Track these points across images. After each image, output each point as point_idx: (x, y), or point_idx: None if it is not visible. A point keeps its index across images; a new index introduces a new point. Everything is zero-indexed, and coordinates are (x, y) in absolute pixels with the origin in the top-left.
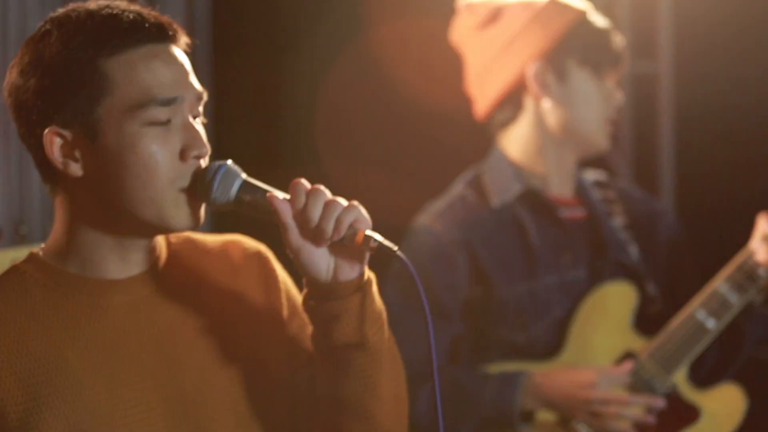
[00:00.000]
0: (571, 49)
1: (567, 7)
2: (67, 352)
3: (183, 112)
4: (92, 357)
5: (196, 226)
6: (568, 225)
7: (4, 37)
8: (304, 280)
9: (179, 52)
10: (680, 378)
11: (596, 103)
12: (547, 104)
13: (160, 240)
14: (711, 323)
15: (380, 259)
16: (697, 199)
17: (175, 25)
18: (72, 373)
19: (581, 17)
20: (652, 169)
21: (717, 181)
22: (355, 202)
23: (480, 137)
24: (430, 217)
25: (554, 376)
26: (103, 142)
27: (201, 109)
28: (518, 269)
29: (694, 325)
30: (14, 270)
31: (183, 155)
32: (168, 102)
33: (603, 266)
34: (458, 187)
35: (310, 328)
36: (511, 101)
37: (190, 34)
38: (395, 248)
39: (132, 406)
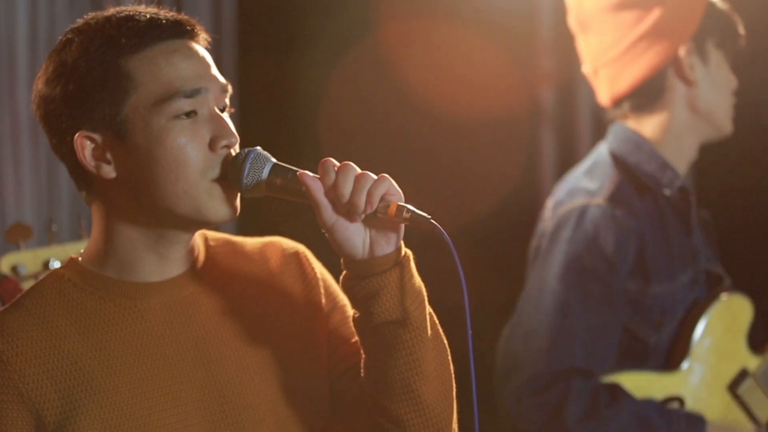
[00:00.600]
0: (710, 29)
1: None
2: (105, 356)
3: (208, 103)
4: (129, 360)
5: (232, 216)
6: (706, 223)
7: (34, 43)
8: (342, 261)
9: (199, 47)
10: None
11: (728, 87)
12: (694, 88)
13: (198, 242)
14: None
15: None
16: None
17: (192, 22)
18: (109, 376)
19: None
20: None
21: (735, 174)
22: (385, 175)
23: (486, 134)
24: (601, 199)
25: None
26: (132, 140)
27: (227, 101)
28: (671, 267)
29: None
30: (54, 275)
31: (212, 145)
32: (192, 93)
33: (696, 273)
34: (606, 167)
35: (350, 322)
36: (654, 85)
37: (216, 33)
38: (428, 217)
39: (169, 408)
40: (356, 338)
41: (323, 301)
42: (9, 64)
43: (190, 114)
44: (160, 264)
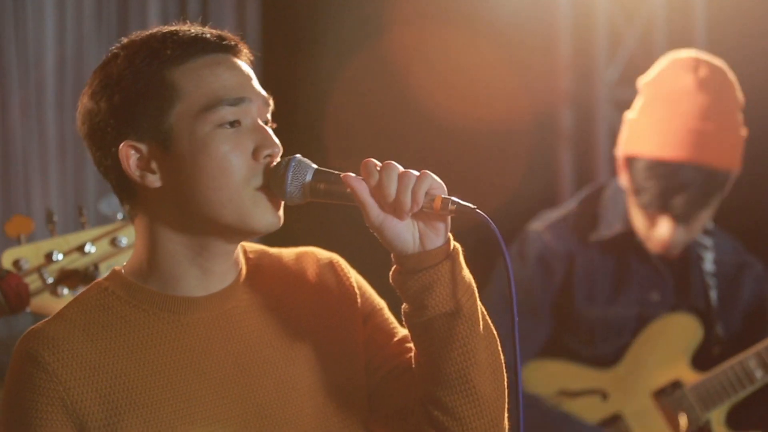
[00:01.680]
0: (636, 175)
1: (696, 144)
2: (147, 370)
3: (252, 113)
4: (171, 374)
5: (277, 225)
6: (661, 265)
7: (62, 63)
8: (392, 256)
9: (242, 63)
10: (716, 417)
11: (641, 223)
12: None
13: (239, 255)
14: (759, 374)
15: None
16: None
17: (236, 38)
18: (151, 390)
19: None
20: None
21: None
22: (427, 171)
23: (504, 151)
24: (543, 225)
25: None
26: (177, 149)
27: (269, 116)
28: (600, 295)
29: (743, 372)
30: (98, 286)
31: (255, 155)
32: (236, 102)
33: (679, 305)
34: (574, 202)
35: (387, 325)
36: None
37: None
38: (474, 207)
39: (210, 423)
40: (396, 339)
41: (360, 308)
42: (37, 84)
43: (234, 123)
44: (203, 278)
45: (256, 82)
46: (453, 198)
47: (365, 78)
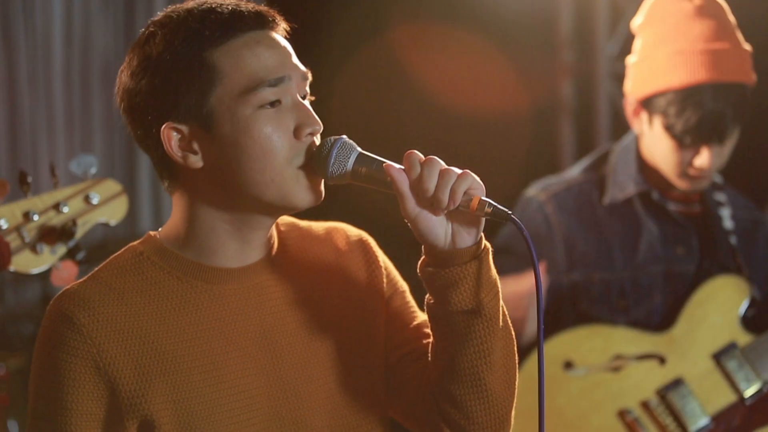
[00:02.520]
0: (661, 108)
1: (712, 65)
2: (179, 337)
3: (292, 91)
4: (201, 342)
5: (317, 202)
6: (683, 220)
7: (69, 39)
8: (423, 248)
9: (280, 38)
10: None
11: (671, 161)
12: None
13: (272, 228)
14: None
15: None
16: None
17: (273, 12)
18: (182, 357)
19: (706, 84)
20: None
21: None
22: (468, 171)
23: (506, 126)
24: (545, 193)
25: None
26: (218, 130)
27: (308, 89)
28: (622, 258)
29: None
30: (132, 250)
31: (297, 133)
32: (276, 82)
33: (710, 266)
34: (578, 169)
35: (409, 308)
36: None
37: None
38: (509, 212)
39: (236, 392)
40: (415, 323)
41: (384, 288)
42: (45, 59)
43: (275, 103)
44: (242, 250)
45: (294, 57)
46: (490, 201)
47: (366, 68)
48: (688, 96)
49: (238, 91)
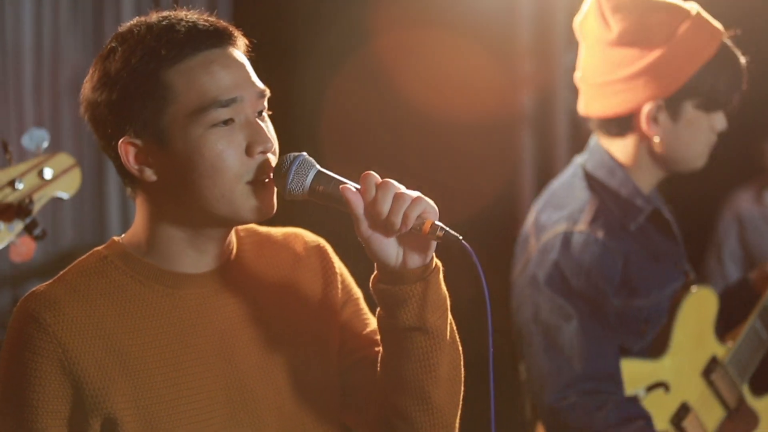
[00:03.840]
0: (692, 93)
1: (700, 47)
2: (140, 339)
3: (245, 110)
4: (162, 345)
5: (267, 215)
6: (677, 231)
7: (39, 52)
8: (375, 264)
9: (237, 54)
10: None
11: (703, 136)
12: (656, 138)
13: (232, 234)
14: (764, 334)
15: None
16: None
17: (230, 29)
18: (143, 359)
19: (713, 55)
20: None
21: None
22: (421, 195)
23: (466, 138)
24: (583, 225)
25: None
26: (172, 147)
27: (266, 104)
28: (645, 283)
29: (755, 336)
30: (96, 255)
31: (249, 151)
32: (228, 102)
33: (683, 280)
34: (585, 195)
35: (363, 315)
36: (623, 122)
37: None
38: (460, 237)
39: (195, 393)
40: (368, 330)
41: (339, 294)
42: (16, 72)
43: (228, 121)
44: (198, 258)
45: (250, 74)
46: (442, 225)
47: (340, 79)
48: (717, 61)
49: (190, 110)
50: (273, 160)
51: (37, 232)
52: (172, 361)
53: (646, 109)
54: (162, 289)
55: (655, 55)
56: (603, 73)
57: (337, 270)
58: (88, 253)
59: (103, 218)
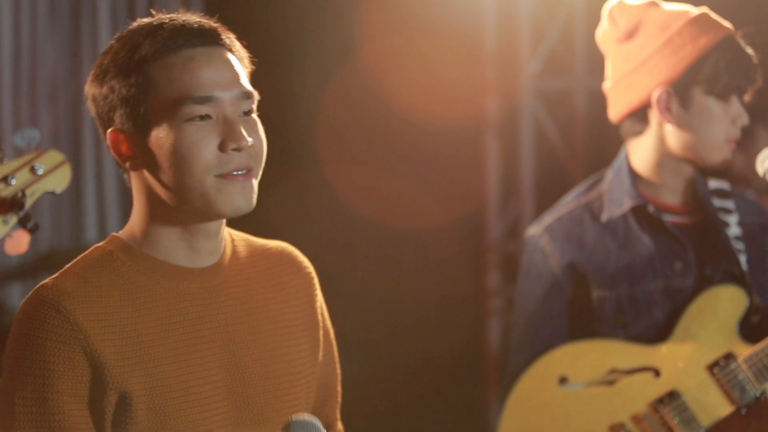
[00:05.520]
0: (699, 78)
1: (701, 35)
2: (151, 330)
3: (223, 108)
4: (172, 337)
5: (244, 209)
6: (679, 232)
7: (17, 57)
8: None
9: (223, 54)
10: None
11: (719, 126)
12: (669, 127)
13: (226, 236)
14: None
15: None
16: None
17: (219, 30)
18: (155, 348)
19: (716, 44)
20: None
21: None
22: None
23: (467, 143)
24: (539, 228)
25: None
26: (152, 138)
27: (254, 106)
28: (620, 273)
29: None
30: (100, 250)
31: (222, 147)
32: (203, 100)
33: (713, 274)
34: (572, 197)
35: (332, 352)
36: (638, 117)
37: None
38: None
39: (203, 384)
40: (329, 370)
41: (319, 314)
42: None
43: (204, 117)
44: (191, 253)
45: (235, 74)
46: None
47: (313, 84)
48: (718, 49)
49: (168, 103)
50: (250, 157)
51: (30, 225)
52: (182, 350)
53: (656, 95)
54: (165, 282)
55: (657, 43)
56: (616, 72)
57: (318, 293)
58: (89, 249)
59: (80, 218)
